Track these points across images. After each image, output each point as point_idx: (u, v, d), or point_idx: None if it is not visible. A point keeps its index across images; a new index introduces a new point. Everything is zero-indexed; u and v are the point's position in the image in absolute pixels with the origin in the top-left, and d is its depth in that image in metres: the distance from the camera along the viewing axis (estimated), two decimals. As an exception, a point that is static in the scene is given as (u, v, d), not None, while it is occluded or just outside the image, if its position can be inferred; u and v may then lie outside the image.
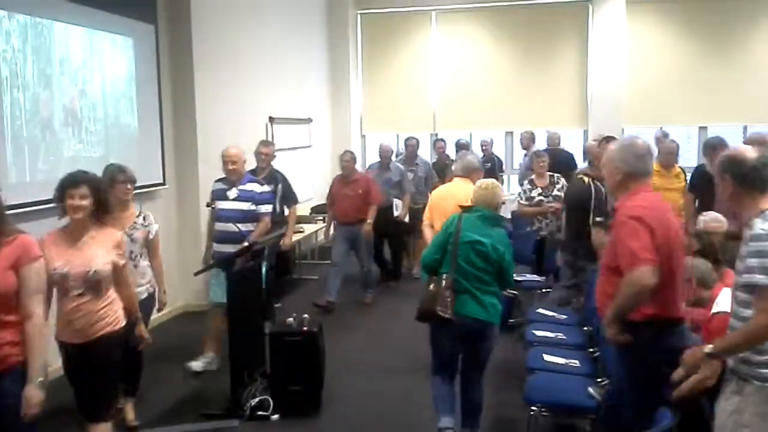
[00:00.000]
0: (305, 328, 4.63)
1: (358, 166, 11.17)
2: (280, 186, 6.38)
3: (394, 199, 8.15)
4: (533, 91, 11.16)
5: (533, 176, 7.04)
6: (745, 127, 10.53)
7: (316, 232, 9.04)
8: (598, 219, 5.03)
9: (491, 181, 4.29)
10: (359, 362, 5.60)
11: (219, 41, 7.40)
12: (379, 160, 8.31)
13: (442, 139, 10.21)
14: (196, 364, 5.30)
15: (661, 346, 3.06)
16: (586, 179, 5.31)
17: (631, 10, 10.62)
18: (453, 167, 6.46)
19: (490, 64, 11.32)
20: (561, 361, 4.24)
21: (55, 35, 5.33)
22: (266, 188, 5.59)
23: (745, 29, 10.60)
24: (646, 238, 2.98)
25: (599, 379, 3.92)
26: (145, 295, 4.28)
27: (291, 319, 4.71)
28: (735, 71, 10.59)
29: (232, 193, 5.38)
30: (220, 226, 5.37)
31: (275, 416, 4.50)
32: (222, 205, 5.39)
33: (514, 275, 4.26)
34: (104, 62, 5.93)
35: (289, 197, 6.56)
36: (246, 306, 4.70)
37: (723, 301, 3.49)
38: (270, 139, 8.69)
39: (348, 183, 7.23)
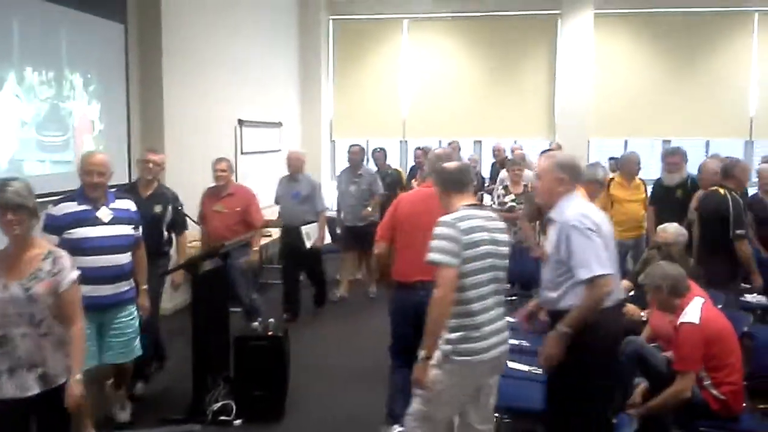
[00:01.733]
0: (270, 333, 4.60)
1: (327, 172, 11.37)
2: (170, 208, 5.01)
3: (304, 227, 6.65)
4: (502, 101, 11.27)
5: (508, 183, 7.11)
6: (708, 142, 10.79)
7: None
8: (738, 231, 5.07)
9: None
10: (324, 367, 5.58)
11: (189, 42, 7.34)
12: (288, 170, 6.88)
13: (382, 149, 8.92)
14: None
15: (397, 301, 4.13)
16: (722, 191, 5.26)
17: (598, 24, 10.81)
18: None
19: (461, 73, 11.41)
20: (524, 367, 4.28)
21: (20, 33, 5.23)
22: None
23: (709, 46, 10.84)
24: (387, 219, 4.21)
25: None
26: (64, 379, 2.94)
27: (256, 323, 4.69)
28: (698, 86, 10.83)
29: (104, 214, 3.95)
30: (90, 260, 3.76)
31: (238, 421, 4.46)
32: (91, 232, 3.88)
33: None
34: (71, 61, 5.83)
35: (180, 222, 5.17)
36: (210, 309, 4.66)
37: (692, 311, 3.58)
38: (240, 142, 8.66)
39: (220, 197, 5.80)
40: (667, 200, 6.25)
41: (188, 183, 6.28)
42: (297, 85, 11.14)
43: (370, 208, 7.48)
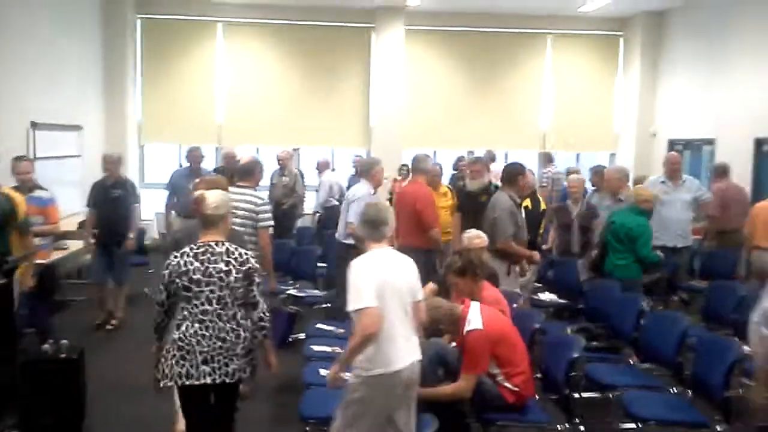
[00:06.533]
0: (63, 355, 4.23)
1: (135, 178, 10.68)
2: None
3: None
4: (319, 110, 11.38)
5: None
6: (506, 154, 11.66)
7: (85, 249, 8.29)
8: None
9: None
10: (124, 385, 5.21)
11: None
12: None
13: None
14: None
15: None
16: None
17: (409, 39, 11.28)
18: None
19: (278, 81, 11.36)
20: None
21: None
22: None
23: (508, 64, 11.80)
24: None
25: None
26: None
27: (47, 345, 4.28)
28: (498, 102, 11.75)
29: None
30: None
31: (27, 453, 4.06)
32: None
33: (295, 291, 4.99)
34: None
35: None
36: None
37: (474, 317, 3.80)
38: (33, 146, 7.89)
39: None
40: (472, 206, 6.66)
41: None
42: (99, 86, 10.40)
43: None
